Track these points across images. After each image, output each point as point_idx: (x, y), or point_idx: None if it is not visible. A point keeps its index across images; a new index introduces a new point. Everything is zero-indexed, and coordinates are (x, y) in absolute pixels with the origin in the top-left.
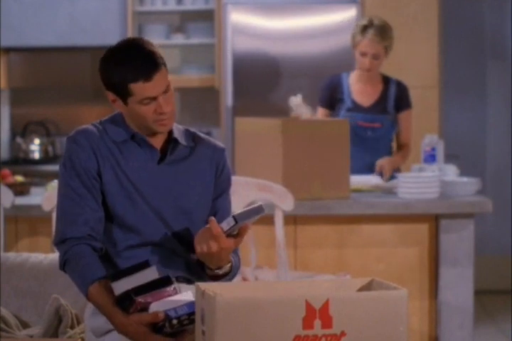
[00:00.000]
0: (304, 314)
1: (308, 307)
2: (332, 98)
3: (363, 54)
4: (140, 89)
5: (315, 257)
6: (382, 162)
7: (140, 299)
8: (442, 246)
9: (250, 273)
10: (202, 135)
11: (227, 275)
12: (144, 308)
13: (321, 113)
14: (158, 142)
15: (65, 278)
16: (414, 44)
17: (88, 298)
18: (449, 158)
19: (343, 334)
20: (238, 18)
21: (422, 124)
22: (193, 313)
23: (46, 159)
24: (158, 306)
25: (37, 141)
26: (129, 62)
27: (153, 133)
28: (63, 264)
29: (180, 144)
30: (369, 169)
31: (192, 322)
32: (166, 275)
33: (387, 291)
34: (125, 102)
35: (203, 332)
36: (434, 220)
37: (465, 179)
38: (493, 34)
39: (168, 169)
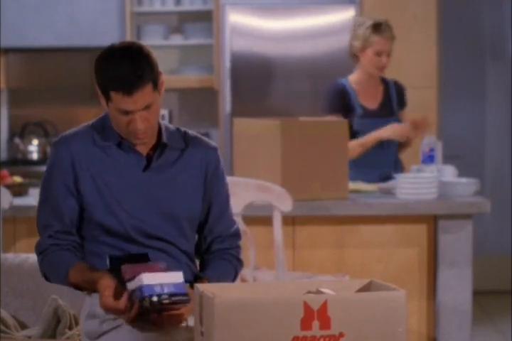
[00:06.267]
0: (302, 315)
1: (307, 308)
2: (343, 105)
3: (379, 53)
4: (118, 99)
5: (313, 258)
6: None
7: (128, 271)
8: (441, 247)
9: (249, 274)
10: (193, 134)
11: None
12: (132, 276)
13: None
14: (145, 147)
15: None
16: (413, 44)
17: (70, 284)
18: (448, 159)
19: (341, 335)
20: (236, 18)
21: None
22: (176, 294)
23: (44, 160)
24: (148, 278)
25: (35, 142)
26: (118, 69)
27: None
28: (44, 275)
29: (168, 147)
30: (385, 177)
31: (172, 303)
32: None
33: (385, 292)
34: (107, 103)
35: (202, 333)
36: (433, 221)
37: (463, 180)
38: (492, 34)
39: (154, 175)
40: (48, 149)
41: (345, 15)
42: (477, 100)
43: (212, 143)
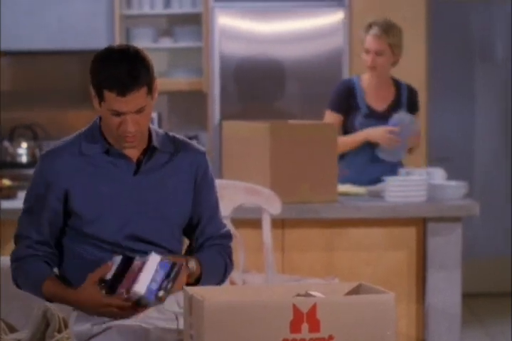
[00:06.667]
0: (291, 318)
1: (296, 311)
2: (347, 103)
3: (367, 51)
4: (112, 99)
5: (303, 261)
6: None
7: (122, 290)
8: (430, 250)
9: (238, 277)
10: (181, 138)
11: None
12: (130, 293)
13: (331, 118)
14: (136, 152)
15: None
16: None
17: (45, 295)
18: (437, 161)
19: (330, 337)
20: (226, 21)
21: None
22: (169, 273)
23: (33, 163)
24: (139, 286)
25: (24, 145)
26: (114, 69)
27: None
28: (15, 282)
29: (158, 150)
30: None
31: (175, 279)
32: (125, 256)
33: (374, 295)
34: (99, 103)
35: (191, 336)
36: (422, 223)
37: (452, 182)
38: (481, 37)
39: (144, 179)
40: (37, 152)
41: (335, 18)
42: (466, 102)
43: (201, 147)
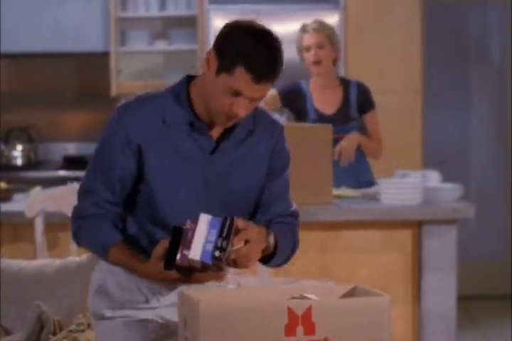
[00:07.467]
0: (286, 321)
1: (291, 313)
2: (292, 99)
3: (307, 48)
4: (242, 80)
5: (298, 263)
6: (342, 143)
7: (180, 260)
8: (425, 252)
9: (233, 279)
10: (261, 110)
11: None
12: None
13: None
14: (218, 129)
15: (47, 284)
16: (397, 50)
17: (109, 260)
18: (433, 164)
19: (326, 340)
20: (221, 24)
21: (405, 130)
22: (221, 231)
23: (29, 165)
24: (194, 252)
25: (19, 147)
26: (264, 51)
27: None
28: (77, 241)
29: (239, 126)
30: (345, 183)
31: (229, 236)
32: (174, 226)
33: (369, 298)
34: (218, 72)
35: (186, 338)
36: (417, 226)
37: (447, 185)
38: (477, 39)
39: (220, 158)
40: (32, 155)
41: (330, 21)
42: (462, 104)
43: (280, 120)
